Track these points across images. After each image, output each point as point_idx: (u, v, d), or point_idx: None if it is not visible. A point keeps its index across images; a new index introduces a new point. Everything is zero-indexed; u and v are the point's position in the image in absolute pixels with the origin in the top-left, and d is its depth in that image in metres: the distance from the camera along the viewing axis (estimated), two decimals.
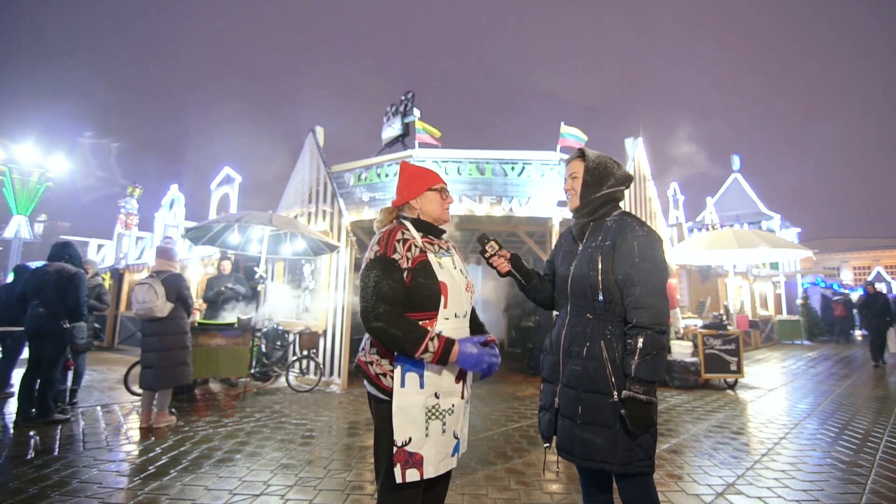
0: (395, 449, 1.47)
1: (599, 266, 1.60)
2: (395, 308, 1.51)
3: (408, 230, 1.65)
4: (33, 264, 5.02)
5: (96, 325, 5.49)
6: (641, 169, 8.09)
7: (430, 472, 1.49)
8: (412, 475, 1.47)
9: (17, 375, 4.75)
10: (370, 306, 1.49)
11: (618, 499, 1.64)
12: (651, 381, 1.46)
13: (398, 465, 1.46)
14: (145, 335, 4.32)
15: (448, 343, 1.49)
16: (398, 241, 1.59)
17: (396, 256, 1.56)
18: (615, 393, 1.52)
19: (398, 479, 1.45)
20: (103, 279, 10.89)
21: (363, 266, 1.60)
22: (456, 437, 1.60)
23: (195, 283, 9.38)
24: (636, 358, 1.47)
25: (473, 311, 1.82)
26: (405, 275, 1.56)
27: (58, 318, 4.21)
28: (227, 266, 6.85)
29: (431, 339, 1.47)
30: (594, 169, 1.72)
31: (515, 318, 8.83)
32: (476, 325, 1.83)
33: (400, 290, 1.53)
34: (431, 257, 1.62)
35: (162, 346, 4.26)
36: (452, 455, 1.58)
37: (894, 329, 9.52)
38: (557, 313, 1.80)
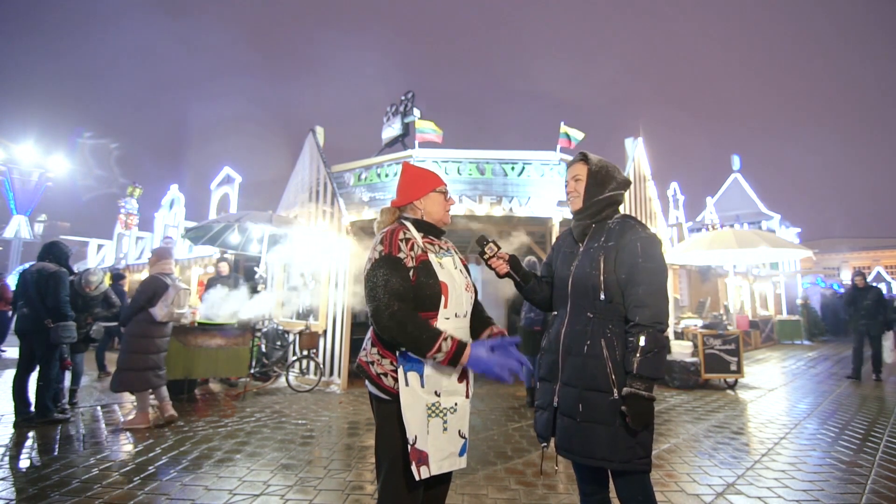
0: (409, 448, 1.48)
1: (602, 266, 1.62)
2: (408, 305, 1.51)
3: (409, 230, 1.66)
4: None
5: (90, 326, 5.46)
6: (641, 169, 8.08)
7: (433, 469, 1.49)
8: (424, 472, 1.48)
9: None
10: (384, 304, 1.49)
11: (614, 498, 1.65)
12: (652, 378, 1.49)
13: (413, 464, 1.47)
14: (156, 336, 4.39)
15: (460, 346, 1.49)
16: (401, 240, 1.60)
17: (401, 255, 1.57)
18: (615, 391, 1.53)
19: (416, 477, 1.46)
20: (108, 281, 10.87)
21: (367, 266, 1.59)
22: (462, 437, 1.60)
23: (194, 284, 9.38)
24: (638, 355, 1.50)
25: (480, 306, 1.82)
26: (410, 273, 1.56)
27: (41, 317, 4.21)
28: (224, 268, 6.84)
29: (444, 340, 1.48)
30: (597, 172, 1.75)
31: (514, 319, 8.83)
32: (481, 321, 1.82)
33: (409, 288, 1.54)
34: (432, 257, 1.63)
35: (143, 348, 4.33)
36: (460, 455, 1.59)
37: (894, 333, 7.22)
38: (555, 313, 1.81)
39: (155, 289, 4.34)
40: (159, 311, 4.33)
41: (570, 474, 3.16)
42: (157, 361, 4.36)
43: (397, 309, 1.48)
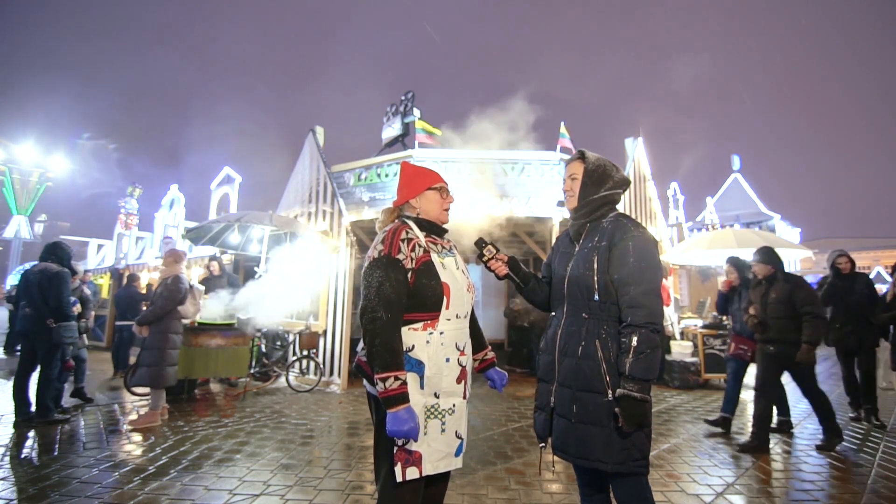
0: (395, 448, 1.47)
1: (595, 266, 1.61)
2: (393, 316, 1.50)
3: (411, 229, 1.65)
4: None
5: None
6: (641, 169, 8.08)
7: (428, 469, 1.50)
8: (412, 473, 1.48)
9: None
10: (370, 307, 1.49)
11: (614, 499, 1.65)
12: (645, 378, 1.47)
13: (398, 464, 1.47)
14: (178, 333, 4.56)
15: (401, 396, 1.43)
16: (402, 240, 1.58)
17: (401, 257, 1.55)
18: (610, 392, 1.52)
19: (399, 478, 1.46)
20: (95, 282, 10.91)
21: (366, 264, 1.59)
22: (459, 437, 1.60)
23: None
24: (630, 356, 1.48)
25: (474, 316, 1.82)
26: (409, 275, 1.55)
27: (43, 318, 4.21)
28: (215, 266, 6.82)
29: (396, 378, 1.44)
30: (593, 171, 1.73)
31: (513, 318, 8.84)
32: (476, 336, 1.82)
33: (402, 292, 1.53)
34: (434, 257, 1.62)
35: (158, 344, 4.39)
36: (456, 455, 1.59)
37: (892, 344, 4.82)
38: (553, 313, 1.80)
39: (185, 289, 4.51)
40: (191, 309, 4.54)
41: (571, 474, 3.16)
42: (176, 358, 4.54)
43: (379, 317, 1.47)
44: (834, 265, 5.09)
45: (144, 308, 5.76)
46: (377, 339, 1.46)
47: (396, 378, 1.44)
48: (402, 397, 1.44)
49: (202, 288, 4.73)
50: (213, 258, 7.01)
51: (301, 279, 6.08)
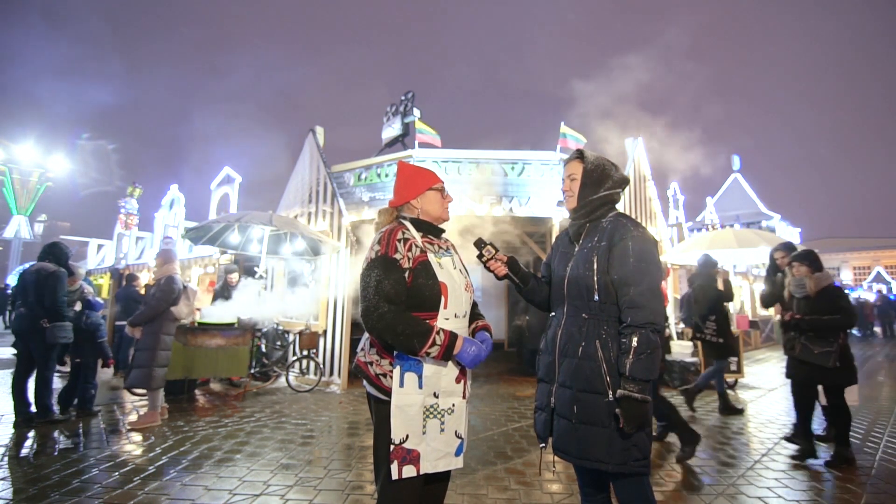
0: (392, 447, 1.48)
1: (595, 266, 1.60)
2: (398, 307, 1.51)
3: (408, 230, 1.66)
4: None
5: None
6: (641, 169, 8.08)
7: (426, 468, 1.50)
8: (408, 471, 1.48)
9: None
10: (372, 306, 1.49)
11: (615, 499, 1.65)
12: (646, 379, 1.47)
13: (395, 462, 1.47)
14: (171, 334, 4.56)
15: (452, 337, 1.53)
16: (399, 240, 1.59)
17: (398, 256, 1.56)
18: (610, 392, 1.52)
19: (394, 476, 1.46)
20: (93, 283, 10.92)
21: (364, 266, 1.59)
22: (459, 437, 1.60)
23: (194, 284, 9.37)
24: (630, 357, 1.47)
25: (474, 304, 1.82)
26: (406, 275, 1.56)
27: (38, 317, 4.20)
28: (234, 279, 6.73)
29: (437, 334, 1.50)
30: (592, 171, 1.72)
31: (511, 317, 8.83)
32: (474, 315, 1.82)
33: (402, 290, 1.53)
34: (431, 257, 1.62)
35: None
36: (457, 455, 1.59)
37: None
38: (553, 314, 1.80)
39: (178, 290, 4.49)
40: (184, 310, 4.51)
41: (571, 474, 3.16)
42: (167, 359, 4.53)
43: (386, 311, 1.48)
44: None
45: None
46: (397, 327, 1.48)
47: (435, 339, 1.49)
48: (453, 341, 1.52)
49: (196, 289, 4.70)
50: (231, 270, 6.86)
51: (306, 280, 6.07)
